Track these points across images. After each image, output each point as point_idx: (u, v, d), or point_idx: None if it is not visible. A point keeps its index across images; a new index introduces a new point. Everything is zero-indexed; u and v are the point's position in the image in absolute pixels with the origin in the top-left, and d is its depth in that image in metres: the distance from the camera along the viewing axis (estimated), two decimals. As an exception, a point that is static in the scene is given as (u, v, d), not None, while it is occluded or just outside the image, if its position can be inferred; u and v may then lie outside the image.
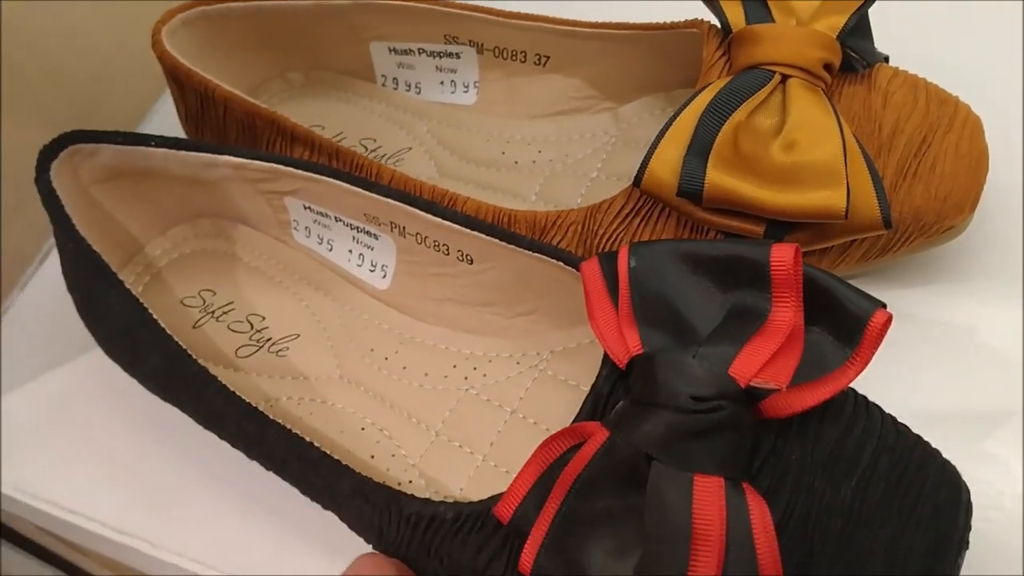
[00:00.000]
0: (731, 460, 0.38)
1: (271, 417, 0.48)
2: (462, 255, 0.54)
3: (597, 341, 0.51)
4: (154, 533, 0.58)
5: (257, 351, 0.58)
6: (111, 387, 0.61)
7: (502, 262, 0.53)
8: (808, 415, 0.41)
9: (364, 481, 0.46)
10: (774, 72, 0.54)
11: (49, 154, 0.54)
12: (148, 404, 0.56)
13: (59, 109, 0.75)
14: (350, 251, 0.60)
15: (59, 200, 0.53)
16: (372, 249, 0.59)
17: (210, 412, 0.51)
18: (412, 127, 0.69)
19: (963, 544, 0.41)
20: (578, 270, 0.47)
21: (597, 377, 0.44)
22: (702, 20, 0.59)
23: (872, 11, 0.57)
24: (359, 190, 0.54)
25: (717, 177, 0.51)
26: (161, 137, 0.56)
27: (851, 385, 0.43)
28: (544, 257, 0.50)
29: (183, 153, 0.56)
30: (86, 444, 0.61)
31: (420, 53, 0.68)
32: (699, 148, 0.51)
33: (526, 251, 0.50)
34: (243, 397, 0.49)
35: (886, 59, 0.59)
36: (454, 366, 0.56)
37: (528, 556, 0.39)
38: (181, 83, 0.61)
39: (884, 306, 0.40)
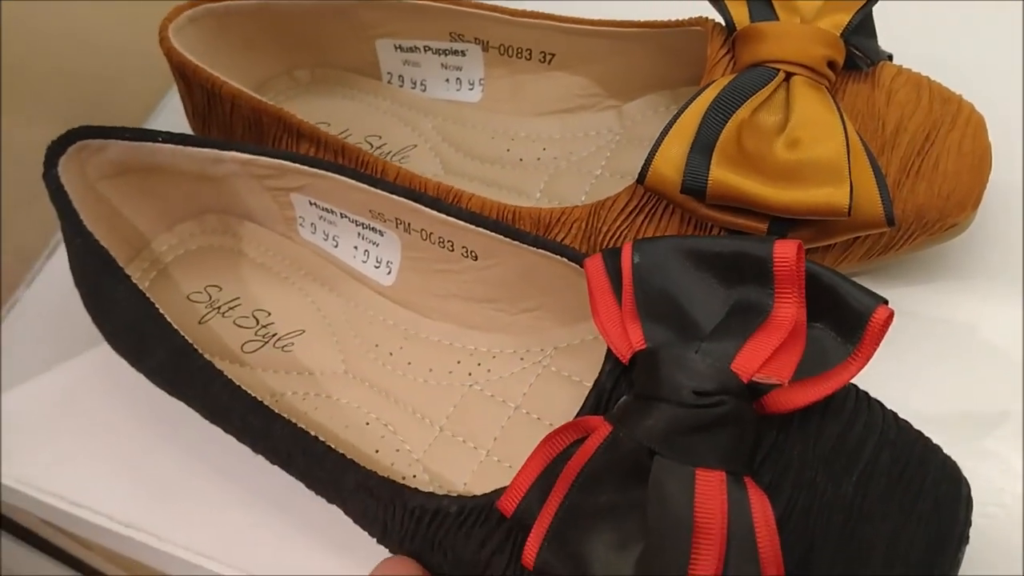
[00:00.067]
0: (733, 454, 0.39)
1: (276, 411, 0.49)
2: (467, 251, 0.55)
3: (600, 338, 0.52)
4: (160, 526, 0.58)
5: (263, 346, 0.58)
6: (117, 382, 0.61)
7: (506, 258, 0.53)
8: (810, 410, 0.41)
9: (368, 475, 0.46)
10: (778, 70, 0.54)
11: (57, 149, 0.54)
12: (154, 399, 0.57)
13: (67, 106, 0.75)
14: (355, 247, 0.60)
15: (67, 195, 0.53)
16: (377, 245, 0.59)
17: (216, 406, 0.51)
18: (417, 124, 0.69)
19: (963, 539, 0.41)
20: (582, 266, 0.47)
21: (600, 372, 0.44)
22: (707, 18, 0.59)
23: (876, 10, 0.57)
24: (365, 186, 0.54)
25: (721, 174, 0.51)
26: (168, 133, 0.56)
27: (853, 381, 0.43)
28: (548, 253, 0.50)
29: (190, 149, 0.56)
30: (92, 438, 0.62)
31: (426, 51, 0.68)
32: (703, 145, 0.51)
33: (530, 247, 0.51)
34: (249, 391, 0.49)
35: (890, 57, 0.59)
36: (458, 362, 0.57)
37: (531, 549, 0.39)
38: (188, 80, 0.61)
39: (886, 302, 0.40)
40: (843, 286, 0.41)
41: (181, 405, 0.55)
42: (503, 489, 0.42)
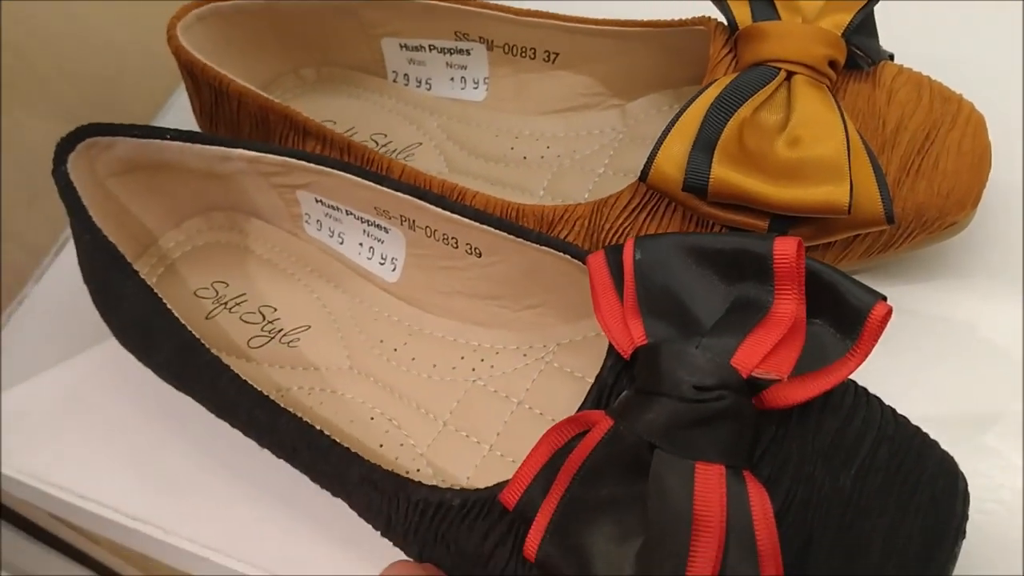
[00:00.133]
0: (732, 449, 0.39)
1: (282, 406, 0.49)
2: (471, 248, 0.55)
3: (603, 334, 0.52)
4: (166, 519, 0.59)
5: (269, 342, 0.59)
6: (124, 377, 0.62)
7: (510, 255, 0.54)
8: (808, 406, 0.42)
9: (373, 468, 0.46)
10: (779, 69, 0.54)
11: (66, 147, 0.54)
12: (161, 394, 0.57)
13: (76, 104, 0.75)
14: (360, 244, 0.60)
15: (76, 192, 0.53)
16: (382, 242, 0.59)
17: (223, 401, 0.52)
18: (422, 123, 0.69)
19: (960, 533, 0.41)
20: (584, 263, 0.47)
21: (602, 367, 0.44)
22: (709, 18, 0.59)
23: (877, 10, 0.57)
24: (370, 184, 0.55)
25: (722, 172, 0.51)
26: (176, 130, 0.56)
27: (852, 377, 0.44)
28: (551, 251, 0.50)
29: (198, 146, 0.56)
30: (100, 433, 0.62)
31: (431, 49, 0.68)
32: (705, 144, 0.52)
33: (534, 244, 0.51)
34: (255, 386, 0.50)
35: (891, 57, 0.59)
36: (462, 357, 0.57)
37: (532, 541, 0.40)
38: (196, 78, 0.61)
39: (885, 299, 0.41)
40: (842, 283, 0.41)
41: (188, 400, 0.55)
42: (506, 482, 0.42)
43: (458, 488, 0.45)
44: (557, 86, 0.67)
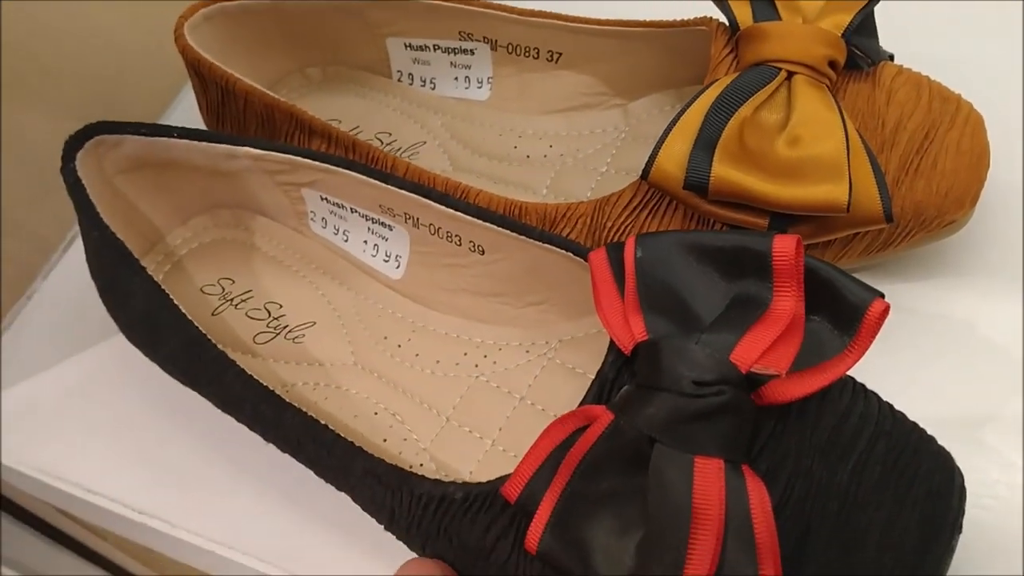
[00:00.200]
0: (731, 443, 0.39)
1: (287, 401, 0.49)
2: (474, 246, 0.55)
3: (604, 331, 0.52)
4: (172, 513, 0.59)
5: (274, 338, 0.59)
6: (131, 372, 0.62)
7: (513, 253, 0.54)
8: (807, 401, 0.42)
9: (377, 462, 0.47)
10: (780, 69, 0.54)
11: (75, 144, 0.54)
12: (168, 389, 0.57)
13: (84, 102, 0.76)
14: (365, 241, 0.61)
15: (84, 189, 0.53)
16: (387, 240, 0.59)
17: (228, 395, 0.52)
18: (427, 121, 0.70)
19: (956, 527, 0.42)
20: (586, 260, 0.48)
21: (603, 363, 0.44)
22: (711, 18, 0.60)
23: (877, 10, 0.58)
24: (375, 182, 0.55)
25: (723, 171, 0.51)
26: (183, 129, 0.57)
27: (851, 374, 0.44)
28: (554, 248, 0.51)
29: (204, 144, 0.57)
30: (107, 428, 0.63)
31: (435, 49, 0.68)
32: (705, 142, 0.52)
33: (536, 242, 0.51)
34: (260, 381, 0.50)
35: (891, 57, 0.59)
36: (465, 354, 0.57)
37: (534, 534, 0.40)
38: (203, 77, 0.62)
39: (882, 296, 0.41)
40: (840, 280, 0.42)
41: (194, 395, 0.55)
42: (508, 476, 0.42)
43: (461, 482, 0.45)
44: (560, 86, 0.68)
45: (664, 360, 0.41)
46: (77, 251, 0.72)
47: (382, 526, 0.50)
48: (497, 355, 0.57)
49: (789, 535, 0.40)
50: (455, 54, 0.68)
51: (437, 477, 0.49)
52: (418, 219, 0.56)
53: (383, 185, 0.55)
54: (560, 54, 0.66)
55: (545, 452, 0.42)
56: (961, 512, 0.42)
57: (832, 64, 0.55)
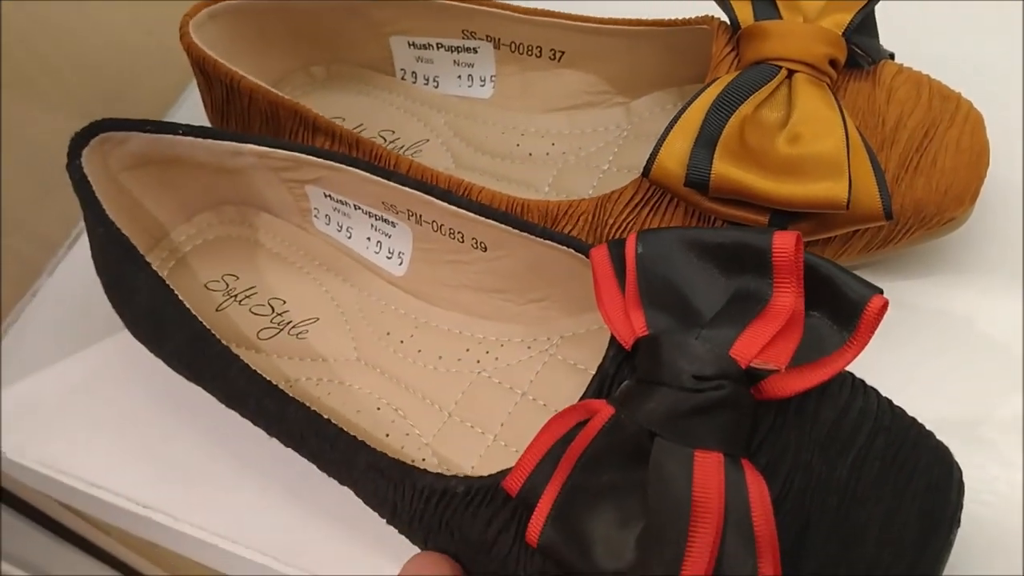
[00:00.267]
0: (731, 437, 0.39)
1: (291, 395, 0.50)
2: (476, 243, 0.55)
3: (605, 328, 0.52)
4: (175, 507, 0.59)
5: (278, 333, 0.59)
6: (136, 368, 0.62)
7: (515, 250, 0.54)
8: (806, 396, 0.42)
9: (379, 456, 0.47)
10: (781, 67, 0.55)
11: (80, 141, 0.55)
12: (172, 385, 0.58)
13: (90, 100, 0.76)
14: (368, 238, 0.61)
15: (90, 185, 0.54)
16: (389, 237, 0.60)
17: (232, 390, 0.52)
18: (430, 119, 0.70)
19: (955, 521, 0.42)
20: (588, 257, 0.48)
21: (604, 358, 0.45)
22: (712, 17, 0.60)
23: (877, 9, 0.58)
24: (378, 179, 0.55)
25: (723, 168, 0.52)
26: (188, 126, 0.57)
27: (850, 370, 0.44)
28: (556, 245, 0.51)
29: (209, 141, 0.57)
30: (111, 423, 0.63)
31: (438, 48, 0.69)
32: (706, 140, 0.52)
33: (538, 239, 0.51)
34: (264, 376, 0.50)
35: (891, 56, 0.59)
36: (467, 350, 0.58)
37: (535, 527, 0.40)
38: (208, 74, 0.62)
39: (881, 292, 0.41)
40: (840, 276, 0.42)
41: (198, 391, 0.56)
42: (509, 470, 0.42)
43: (462, 476, 0.45)
44: (562, 84, 0.68)
45: (664, 355, 0.41)
46: (82, 248, 0.72)
47: (384, 520, 0.50)
48: (499, 351, 0.57)
49: (788, 529, 0.40)
50: (458, 52, 0.69)
51: (439, 471, 0.49)
52: (421, 216, 0.57)
53: (386, 182, 0.55)
54: (563, 53, 0.67)
55: (546, 446, 0.42)
56: (959, 506, 0.43)
57: (833, 63, 0.55)
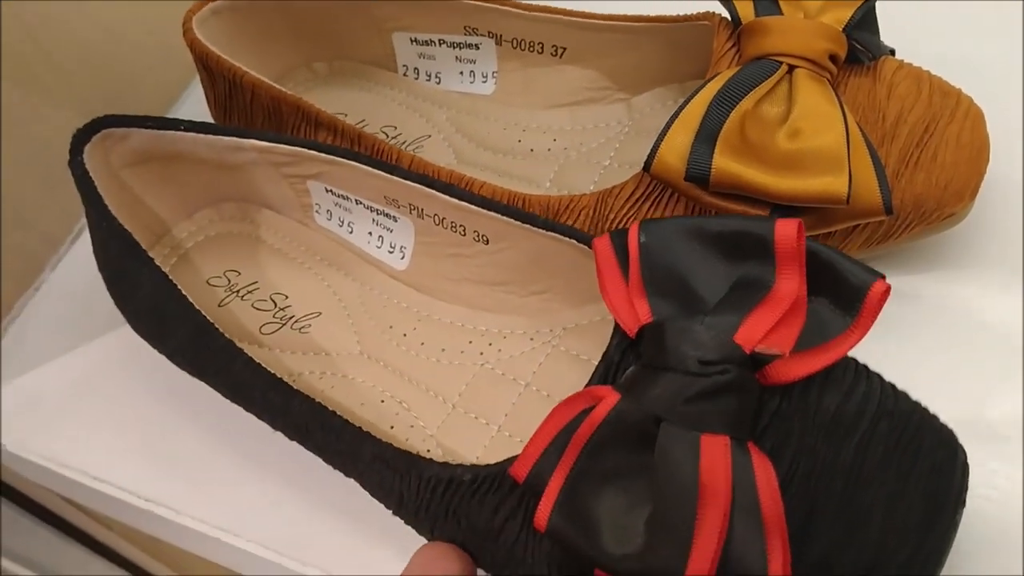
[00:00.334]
0: (737, 421, 0.39)
1: (295, 387, 0.50)
2: (478, 236, 0.56)
3: (608, 319, 0.53)
4: (177, 501, 0.59)
5: (280, 328, 0.60)
6: (138, 363, 0.62)
7: (517, 242, 0.54)
8: (809, 381, 0.42)
9: (385, 447, 0.47)
10: (781, 63, 0.55)
11: (82, 138, 0.55)
12: (174, 379, 0.58)
13: (94, 95, 0.76)
14: (370, 233, 0.61)
15: (92, 181, 0.54)
16: (391, 231, 0.60)
17: (237, 384, 0.52)
18: (432, 115, 0.70)
19: (960, 502, 0.42)
20: (591, 247, 0.48)
21: (608, 345, 0.45)
22: (713, 13, 0.60)
23: (878, 5, 0.58)
24: (380, 172, 0.55)
25: (723, 163, 0.52)
26: (190, 122, 0.57)
27: (852, 356, 0.44)
28: (558, 236, 0.51)
29: (210, 137, 0.57)
30: (113, 417, 0.63)
31: (440, 44, 0.69)
32: (707, 135, 0.52)
33: (540, 230, 0.52)
34: (269, 369, 0.51)
35: (892, 52, 0.60)
36: (470, 342, 0.58)
37: (543, 513, 0.40)
38: (210, 70, 0.62)
39: (883, 277, 0.41)
40: (841, 262, 0.42)
41: (200, 386, 0.56)
42: (515, 457, 0.42)
43: (469, 464, 0.45)
44: (564, 80, 0.68)
45: (669, 341, 0.41)
46: (84, 243, 0.72)
47: (390, 511, 0.50)
48: (502, 343, 0.57)
49: (795, 513, 0.40)
50: (460, 49, 0.69)
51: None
52: (423, 210, 0.57)
53: (388, 176, 0.55)
54: (564, 49, 0.67)
55: (553, 432, 0.42)
56: (964, 487, 0.43)
57: (833, 58, 0.56)
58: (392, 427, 0.55)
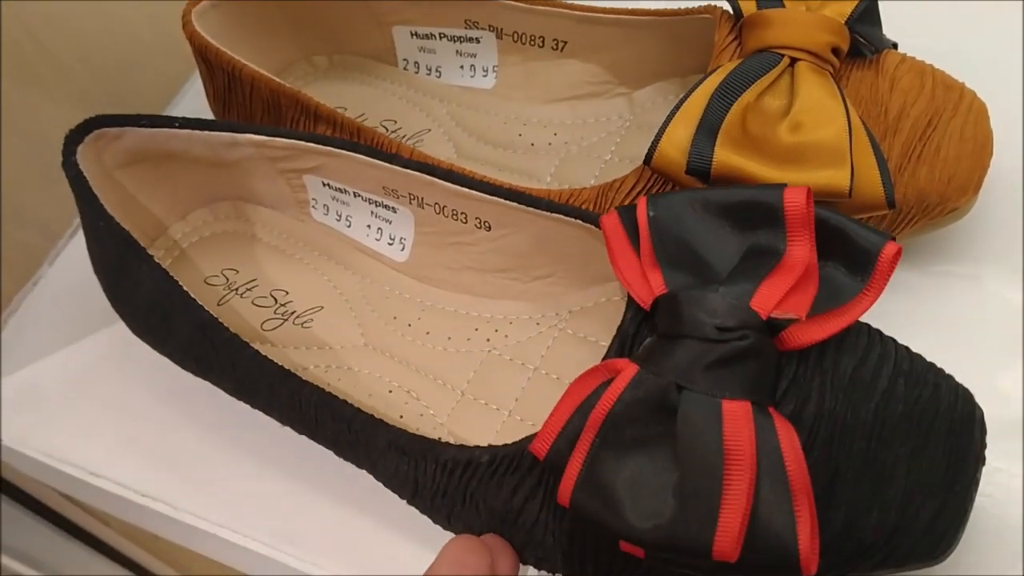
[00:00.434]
0: (757, 386, 0.40)
1: (303, 379, 0.49)
2: (480, 222, 0.56)
3: (614, 300, 0.53)
4: (176, 497, 0.59)
5: (282, 324, 0.59)
6: (137, 358, 0.62)
7: (521, 227, 0.54)
8: (825, 346, 0.43)
9: (399, 433, 0.47)
10: (783, 55, 0.55)
11: (75, 138, 0.55)
12: (173, 375, 0.58)
13: (93, 90, 0.76)
14: (368, 226, 0.61)
15: (86, 182, 0.54)
16: (390, 223, 0.60)
17: (243, 379, 0.52)
18: (432, 110, 0.70)
19: (980, 459, 0.43)
20: (597, 226, 0.48)
21: (623, 319, 0.45)
22: (715, 6, 0.60)
23: (881, 2, 0.59)
24: (379, 162, 0.55)
25: (725, 155, 0.52)
26: (184, 119, 0.57)
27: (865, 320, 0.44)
28: (562, 217, 0.51)
29: (205, 133, 0.57)
30: (112, 412, 0.63)
31: (441, 38, 0.69)
32: (708, 128, 0.52)
33: (544, 212, 0.52)
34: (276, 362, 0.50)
35: (894, 46, 0.60)
36: (476, 329, 0.58)
37: (566, 488, 0.40)
38: (210, 63, 0.62)
39: (894, 239, 0.42)
40: (851, 226, 0.42)
41: (198, 381, 0.56)
42: (533, 436, 0.42)
43: (487, 445, 0.45)
44: (565, 74, 0.68)
45: (685, 310, 0.41)
46: (83, 238, 0.72)
47: (391, 508, 0.50)
48: (508, 329, 0.57)
49: (819, 476, 0.40)
50: (461, 42, 0.69)
51: (460, 446, 0.49)
52: (423, 199, 0.57)
53: (387, 166, 0.55)
54: (565, 43, 0.67)
55: (571, 407, 0.42)
56: (983, 444, 0.43)
57: (835, 51, 0.56)
58: (402, 416, 0.54)
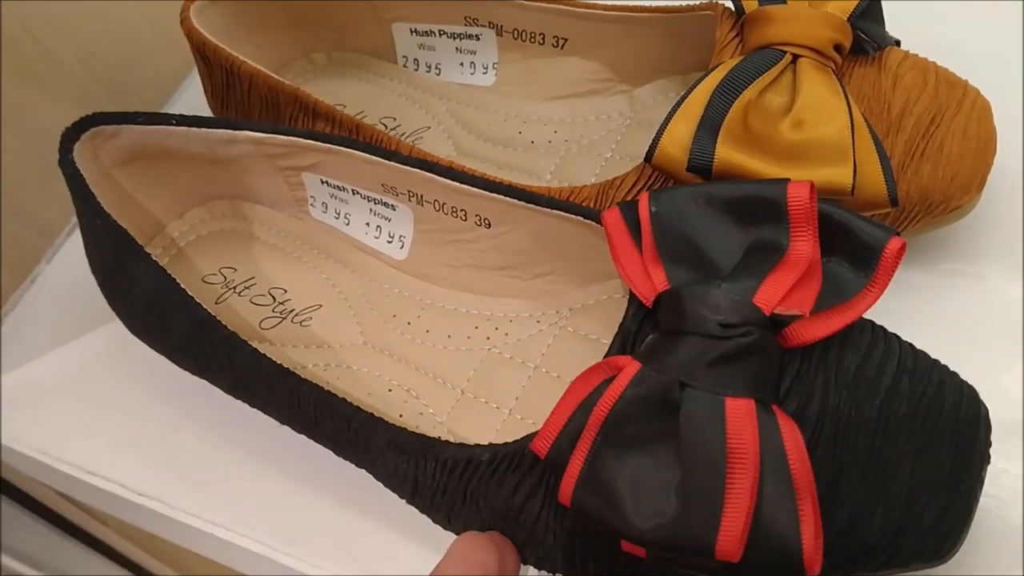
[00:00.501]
0: (760, 383, 0.39)
1: (302, 377, 0.49)
2: (480, 219, 0.55)
3: (615, 297, 0.53)
4: (172, 495, 0.59)
5: (281, 322, 0.59)
6: (135, 356, 0.61)
7: (521, 224, 0.54)
8: (829, 343, 0.42)
9: (399, 432, 0.47)
10: (785, 52, 0.55)
11: (72, 136, 0.54)
12: (170, 373, 0.57)
13: (91, 87, 0.76)
14: (367, 224, 0.61)
15: (83, 180, 0.53)
16: (389, 221, 0.59)
17: (241, 377, 0.52)
18: (431, 107, 0.70)
19: (985, 457, 0.43)
20: (598, 223, 0.48)
21: (624, 316, 0.44)
22: (716, 3, 0.60)
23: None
24: (378, 159, 0.55)
25: (726, 153, 0.51)
26: (181, 116, 0.56)
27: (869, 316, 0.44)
28: (562, 214, 0.51)
29: (203, 131, 0.57)
30: (109, 411, 0.63)
31: (441, 35, 0.69)
32: (709, 125, 0.52)
33: (544, 209, 0.51)
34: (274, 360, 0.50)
35: (897, 43, 0.59)
36: (476, 327, 0.57)
37: (567, 487, 0.40)
38: (208, 60, 0.62)
39: (898, 234, 0.42)
40: (855, 222, 0.42)
41: (197, 380, 0.55)
42: (535, 434, 0.42)
43: (487, 444, 0.45)
44: (565, 71, 0.68)
45: (688, 306, 0.41)
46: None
47: (393, 505, 0.50)
48: (508, 327, 0.57)
49: (823, 474, 0.40)
50: (460, 39, 0.69)
51: (460, 444, 0.49)
52: (422, 196, 0.56)
53: (387, 162, 0.55)
54: (566, 40, 0.67)
55: (573, 405, 0.41)
56: (988, 443, 0.43)
57: (838, 48, 0.55)
58: (401, 415, 0.54)
